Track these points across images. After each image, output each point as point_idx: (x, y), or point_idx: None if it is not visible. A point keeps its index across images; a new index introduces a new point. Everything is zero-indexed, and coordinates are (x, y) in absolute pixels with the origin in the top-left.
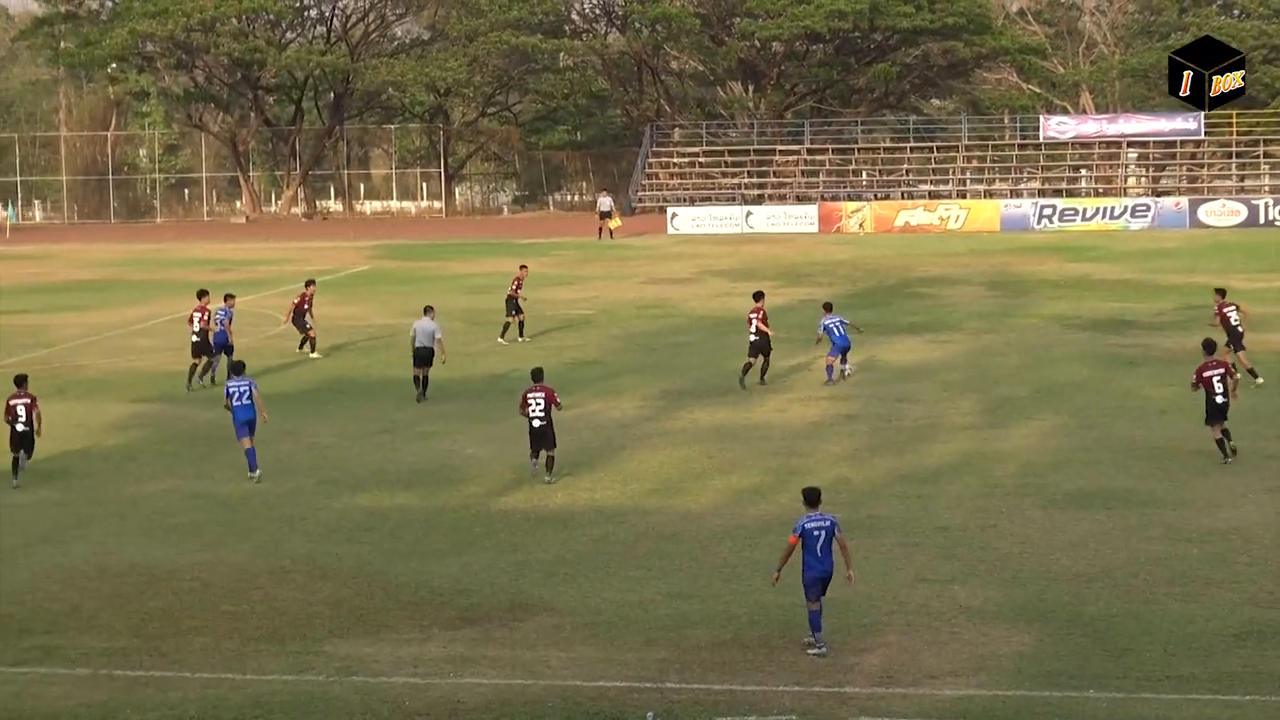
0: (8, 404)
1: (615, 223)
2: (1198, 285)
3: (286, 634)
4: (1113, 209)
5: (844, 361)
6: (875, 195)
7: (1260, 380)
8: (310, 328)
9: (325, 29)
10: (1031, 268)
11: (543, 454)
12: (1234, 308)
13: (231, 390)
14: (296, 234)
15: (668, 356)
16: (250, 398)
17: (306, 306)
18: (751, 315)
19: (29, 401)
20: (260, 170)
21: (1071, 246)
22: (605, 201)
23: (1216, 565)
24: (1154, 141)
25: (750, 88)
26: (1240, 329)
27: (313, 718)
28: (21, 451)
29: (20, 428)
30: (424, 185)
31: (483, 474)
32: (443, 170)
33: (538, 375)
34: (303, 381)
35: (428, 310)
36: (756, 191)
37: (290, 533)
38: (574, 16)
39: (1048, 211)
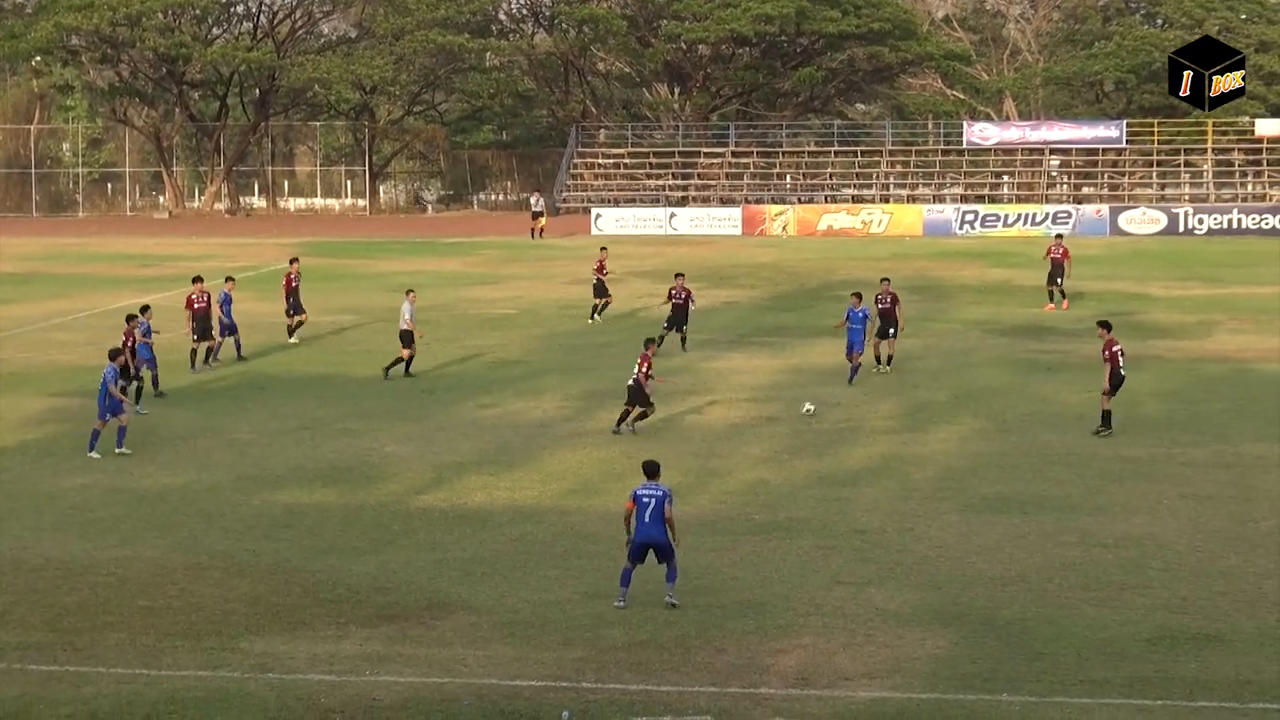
0: None
1: (543, 222)
2: (1117, 292)
3: (202, 630)
4: (1034, 215)
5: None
6: (799, 199)
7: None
8: (297, 311)
9: (252, 25)
10: (953, 273)
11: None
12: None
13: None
14: (219, 230)
15: (590, 357)
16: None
17: (294, 285)
18: (672, 291)
19: None
20: (184, 166)
21: (993, 252)
22: (537, 201)
23: (1130, 571)
24: (1076, 149)
25: (676, 90)
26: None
27: (227, 715)
28: None
29: None
30: (348, 183)
31: (403, 472)
32: (367, 168)
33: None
34: (223, 377)
35: (409, 293)
36: (681, 193)
37: (208, 529)
38: (501, 16)
39: (970, 217)
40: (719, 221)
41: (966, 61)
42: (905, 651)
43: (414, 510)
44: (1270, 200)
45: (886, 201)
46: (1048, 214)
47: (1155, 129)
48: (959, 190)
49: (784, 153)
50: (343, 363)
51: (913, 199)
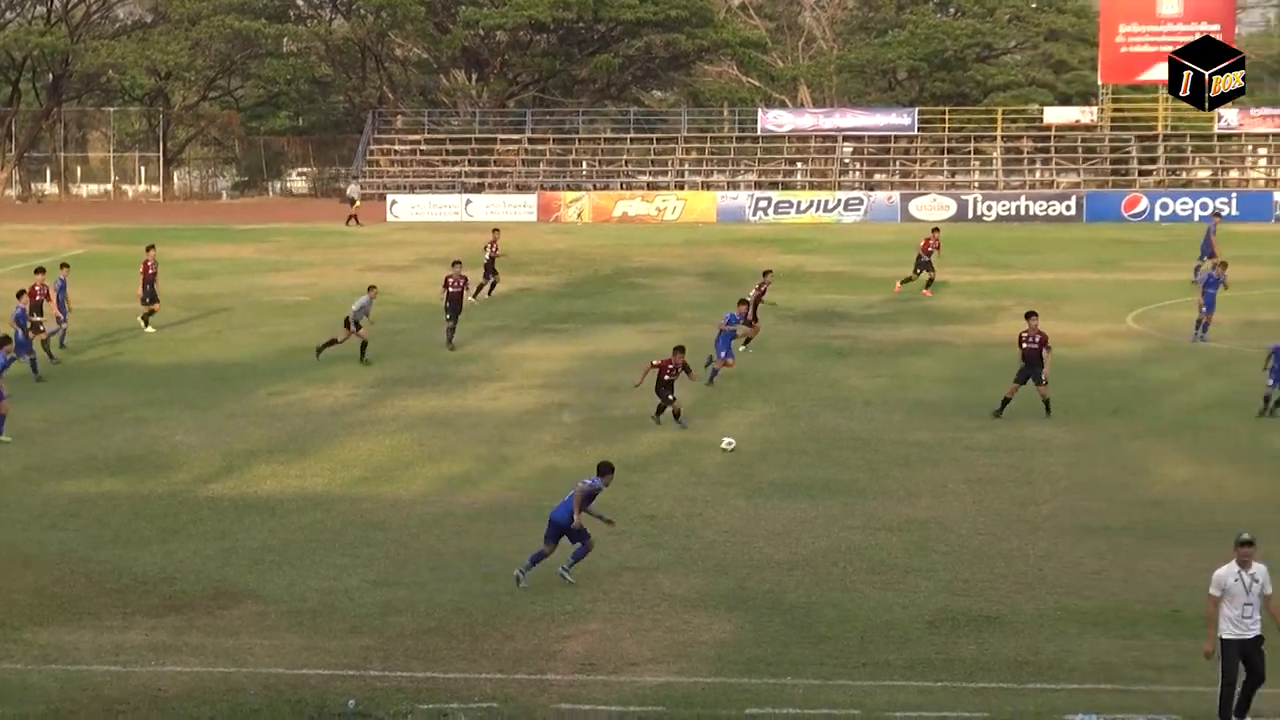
0: None
1: (357, 206)
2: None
3: None
4: (827, 202)
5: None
6: (594, 185)
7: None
8: (153, 300)
9: (45, 9)
10: (746, 259)
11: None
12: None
13: None
14: (10, 217)
15: (382, 344)
16: None
17: (152, 272)
18: (449, 280)
19: None
20: None
21: (786, 239)
22: (354, 189)
23: (914, 554)
24: (869, 136)
25: (473, 76)
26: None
27: (9, 706)
28: None
29: None
30: (142, 169)
31: (192, 460)
32: (161, 154)
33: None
34: (17, 366)
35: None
36: (477, 180)
37: None
38: (299, 1)
39: (763, 204)
40: (514, 208)
41: (762, 49)
42: (691, 636)
43: (203, 499)
44: (1058, 187)
45: (681, 188)
46: (840, 200)
47: (946, 117)
48: (753, 177)
49: (580, 139)
50: (136, 351)
51: (707, 186)
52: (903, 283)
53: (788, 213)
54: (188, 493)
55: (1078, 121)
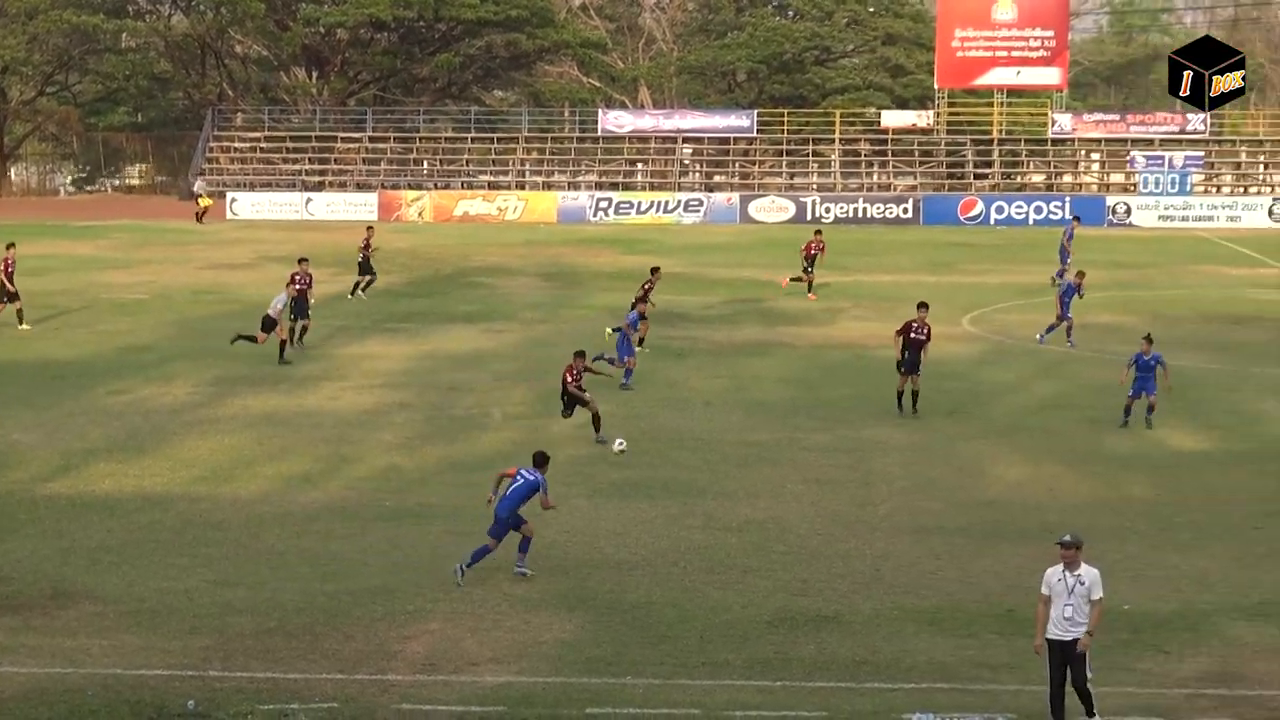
0: None
1: (205, 203)
2: (745, 279)
3: None
4: (667, 203)
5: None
6: (436, 185)
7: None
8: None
9: None
10: (586, 259)
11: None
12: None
13: None
14: None
15: (222, 343)
16: None
17: (10, 270)
18: (294, 275)
19: None
20: None
21: (626, 239)
22: (200, 185)
23: (753, 554)
24: (708, 138)
25: (314, 74)
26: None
27: None
28: None
29: None
30: None
31: (29, 460)
32: None
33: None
34: None
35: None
36: (318, 178)
37: None
38: None
39: (604, 204)
40: (355, 207)
41: (602, 50)
42: (532, 636)
43: (40, 498)
44: (895, 190)
45: (523, 188)
46: (680, 201)
47: (785, 119)
48: (594, 178)
49: (421, 138)
50: None
51: (548, 186)
52: (792, 279)
53: (628, 213)
54: (24, 491)
55: (914, 125)
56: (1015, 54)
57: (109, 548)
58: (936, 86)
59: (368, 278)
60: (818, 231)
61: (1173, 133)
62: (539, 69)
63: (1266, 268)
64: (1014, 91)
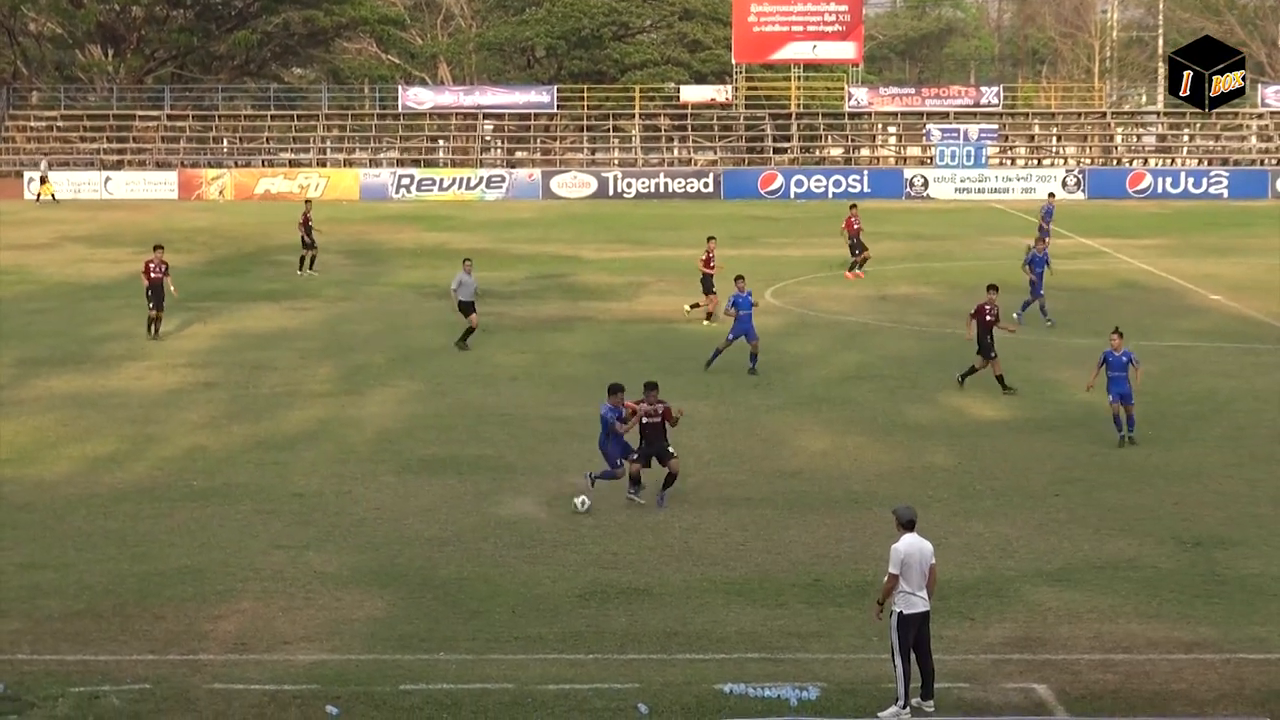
0: None
1: (50, 188)
2: (549, 255)
3: None
4: (469, 179)
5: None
6: (236, 163)
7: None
8: None
9: None
10: (389, 236)
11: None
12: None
13: None
14: None
15: (22, 324)
16: None
17: None
18: (149, 263)
19: None
20: None
21: (429, 216)
22: (44, 165)
23: (563, 528)
24: (509, 114)
25: (110, 52)
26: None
27: None
28: None
29: None
30: None
31: None
32: None
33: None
34: None
35: (466, 262)
36: (116, 157)
37: None
38: None
39: (406, 181)
40: (155, 185)
41: (401, 26)
42: (344, 614)
43: None
44: (695, 165)
45: (324, 165)
46: (482, 178)
47: (585, 94)
48: (395, 154)
49: (220, 116)
50: None
51: (349, 163)
52: (851, 269)
53: (431, 190)
54: None
55: (713, 100)
56: (811, 28)
57: None
58: (734, 61)
59: (311, 252)
60: (853, 206)
61: (967, 106)
62: (337, 46)
63: (1061, 238)
64: (810, 66)
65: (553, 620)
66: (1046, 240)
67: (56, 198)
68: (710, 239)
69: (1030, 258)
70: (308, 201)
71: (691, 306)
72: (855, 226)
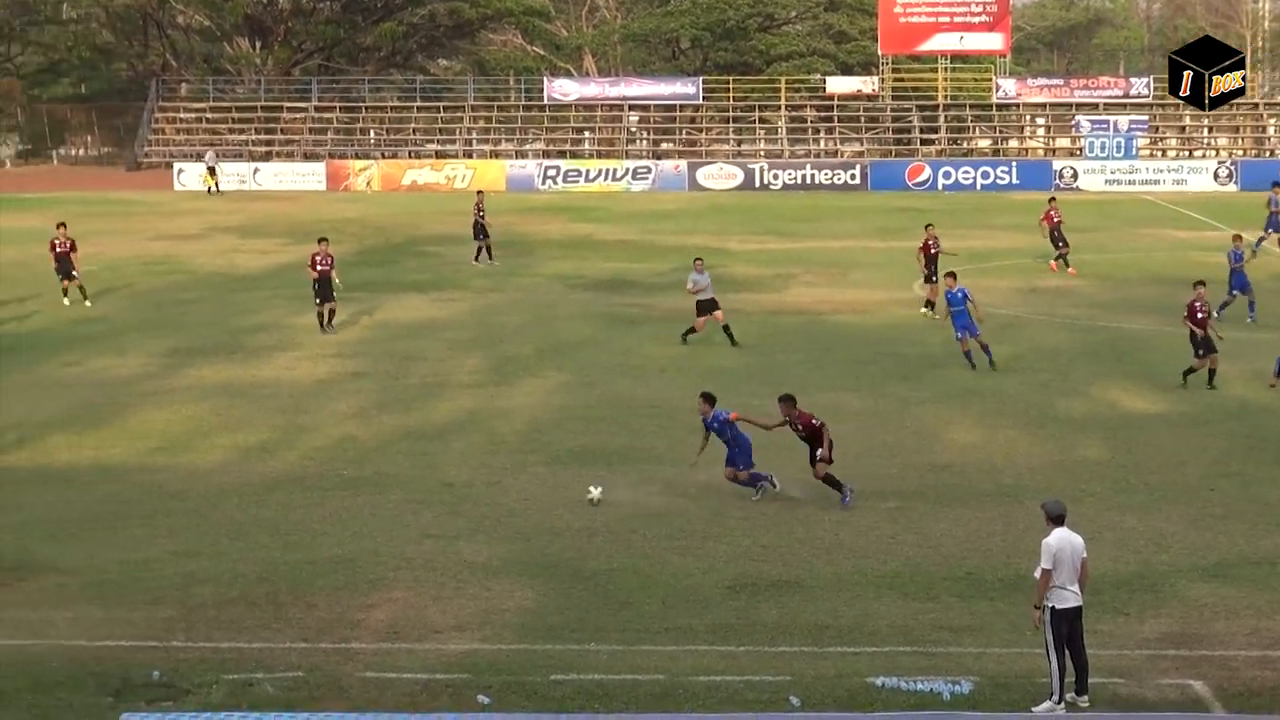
0: None
1: (215, 177)
2: (695, 247)
3: None
4: (615, 171)
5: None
6: (382, 154)
7: None
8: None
9: None
10: (536, 227)
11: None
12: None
13: None
14: None
15: (174, 314)
16: None
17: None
18: (314, 256)
19: None
20: None
21: (575, 207)
22: (211, 156)
23: (712, 520)
24: (654, 105)
25: (257, 44)
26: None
27: None
28: None
29: None
30: None
31: None
32: None
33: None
34: None
35: (697, 261)
36: (264, 149)
37: None
38: None
39: (552, 172)
40: (303, 177)
41: (546, 18)
42: (494, 603)
43: None
44: (841, 156)
45: (470, 157)
46: (628, 169)
47: (731, 86)
48: (541, 146)
49: (367, 108)
50: None
51: (495, 154)
52: (1058, 261)
53: (576, 181)
54: None
55: (859, 91)
56: (958, 19)
57: (68, 519)
58: (880, 52)
59: (486, 243)
60: (1052, 199)
61: (1117, 97)
62: (483, 37)
63: (1213, 230)
64: (957, 57)
65: (703, 612)
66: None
67: (220, 189)
68: (929, 226)
69: (1234, 252)
70: (479, 193)
71: (926, 305)
72: (1055, 219)
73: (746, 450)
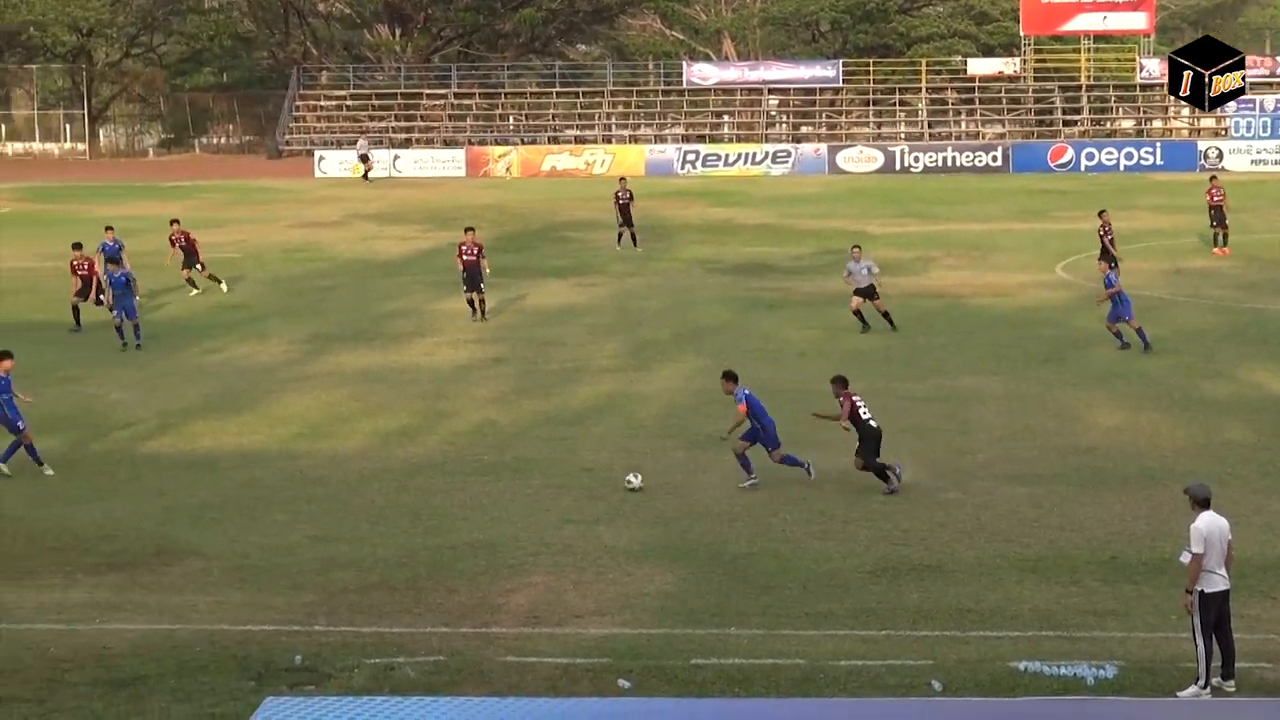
0: None
1: (369, 165)
2: (835, 230)
3: None
4: (754, 155)
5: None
6: (521, 140)
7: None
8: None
9: None
10: (675, 212)
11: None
12: None
13: None
14: None
15: (314, 300)
16: None
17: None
18: (461, 245)
19: None
20: None
21: (714, 191)
22: (363, 144)
23: (853, 504)
24: (794, 89)
25: (397, 31)
26: None
27: None
28: None
29: None
30: (67, 127)
31: (128, 419)
32: (86, 112)
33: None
34: None
35: (855, 249)
36: (404, 135)
37: None
38: None
39: (691, 157)
40: (443, 163)
41: (684, 2)
42: (634, 588)
43: (140, 457)
44: (983, 138)
45: (609, 142)
46: (768, 153)
47: (871, 68)
48: (680, 130)
49: (506, 94)
50: (57, 310)
51: (634, 139)
52: (1217, 245)
53: (716, 166)
54: (125, 451)
55: (1001, 72)
56: None
57: (211, 505)
58: (1022, 33)
59: (629, 229)
60: (1213, 178)
61: (1263, 76)
62: (621, 22)
63: None
64: (1100, 37)
65: (844, 596)
66: None
67: (370, 178)
68: (1102, 212)
69: None
70: (622, 179)
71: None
72: (1216, 198)
73: (772, 432)
